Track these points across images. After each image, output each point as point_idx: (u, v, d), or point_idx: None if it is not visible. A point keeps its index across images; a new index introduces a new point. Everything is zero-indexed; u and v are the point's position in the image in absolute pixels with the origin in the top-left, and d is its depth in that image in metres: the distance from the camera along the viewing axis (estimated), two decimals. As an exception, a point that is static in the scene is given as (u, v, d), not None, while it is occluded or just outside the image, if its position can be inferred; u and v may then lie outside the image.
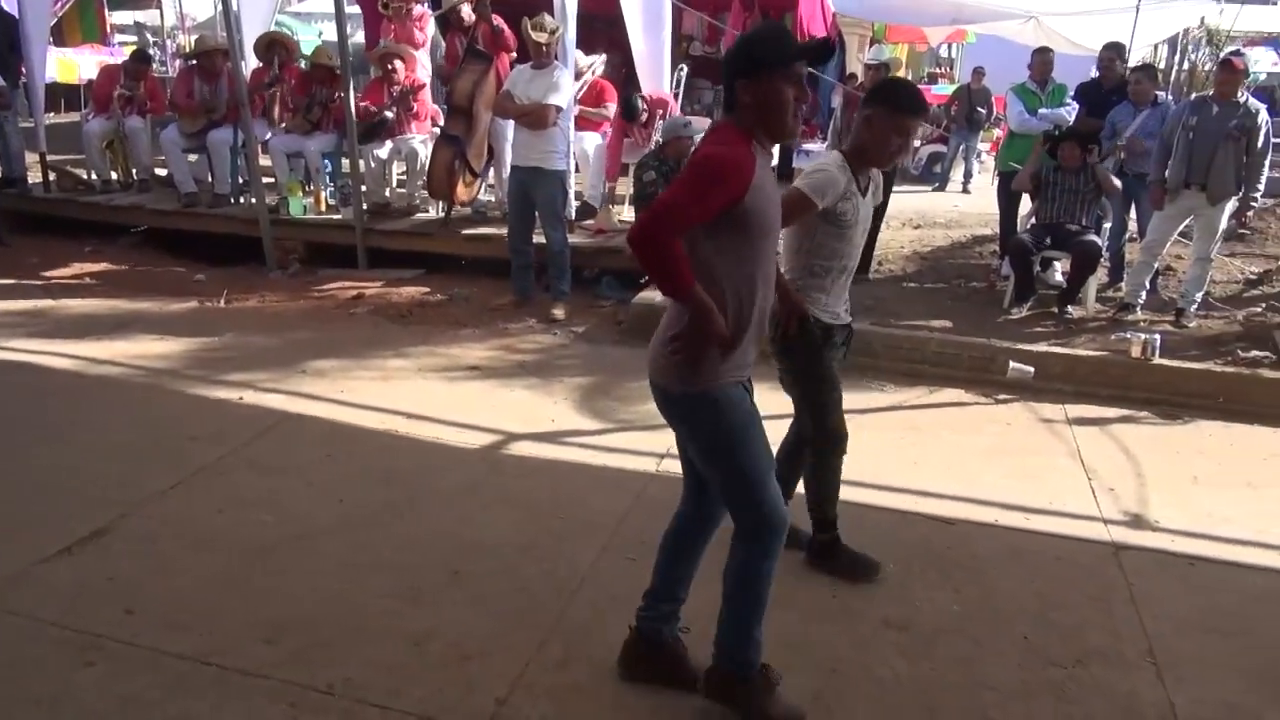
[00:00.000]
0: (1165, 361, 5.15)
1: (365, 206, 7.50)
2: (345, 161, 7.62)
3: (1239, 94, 5.94)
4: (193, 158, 8.11)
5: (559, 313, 6.22)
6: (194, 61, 8.16)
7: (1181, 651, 2.95)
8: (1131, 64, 8.34)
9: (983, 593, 3.24)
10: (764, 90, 2.28)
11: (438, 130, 7.48)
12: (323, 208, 7.71)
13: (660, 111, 7.72)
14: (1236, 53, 6.76)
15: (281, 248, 7.44)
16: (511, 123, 6.49)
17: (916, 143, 10.96)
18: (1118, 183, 6.48)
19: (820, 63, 2.88)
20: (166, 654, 2.75)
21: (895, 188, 7.00)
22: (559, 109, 6.08)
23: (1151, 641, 2.99)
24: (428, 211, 7.68)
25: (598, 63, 8.05)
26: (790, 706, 2.58)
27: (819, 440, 3.22)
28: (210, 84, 7.92)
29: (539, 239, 6.37)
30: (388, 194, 7.90)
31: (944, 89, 14.93)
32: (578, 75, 7.69)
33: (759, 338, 2.48)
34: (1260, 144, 5.83)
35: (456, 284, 6.90)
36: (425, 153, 7.35)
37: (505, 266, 6.58)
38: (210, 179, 8.06)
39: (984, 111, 12.80)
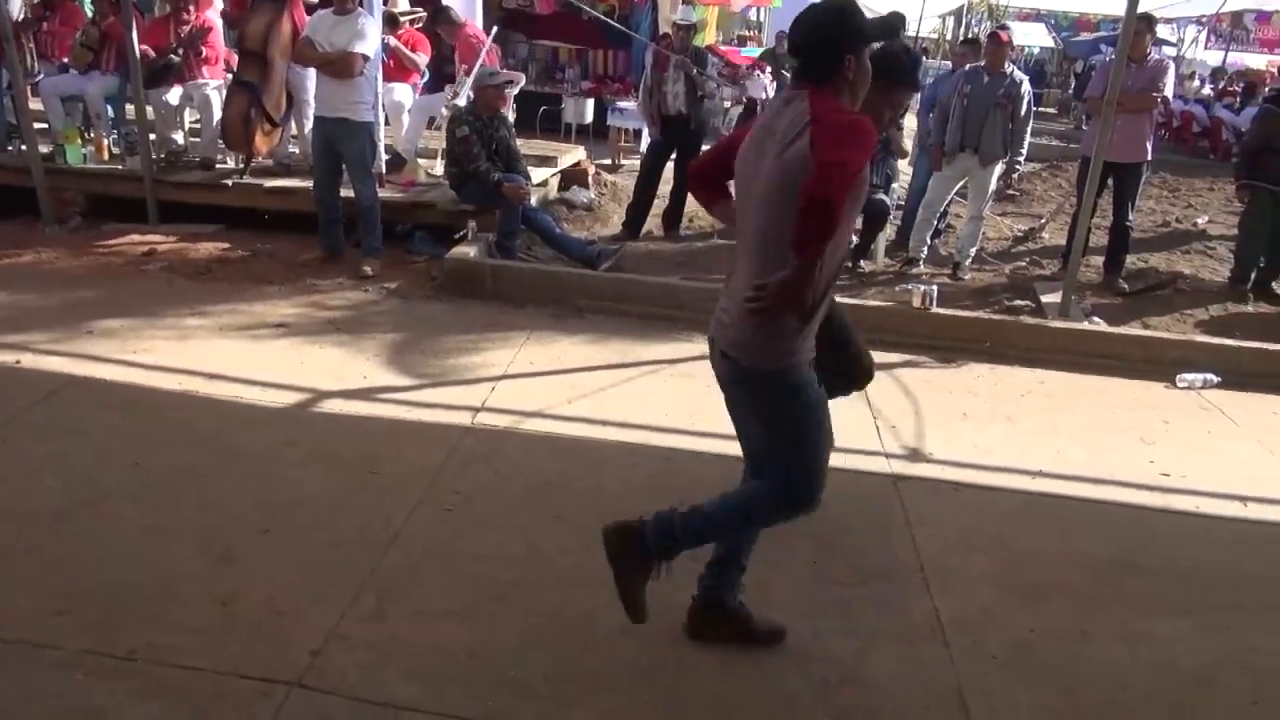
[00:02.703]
0: (941, 311, 5.64)
1: (155, 156, 7.03)
2: (130, 107, 7.09)
3: (1006, 65, 6.52)
4: (-53, 100, 7.33)
5: (370, 269, 6.07)
6: (-56, -8, 7.34)
7: (948, 567, 3.31)
8: (924, 32, 8.91)
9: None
10: (863, 66, 2.26)
11: (231, 76, 7.07)
12: (105, 156, 7.16)
13: (467, 66, 7.58)
14: (1003, 26, 7.39)
15: (60, 200, 6.86)
16: (312, 71, 6.23)
17: (726, 104, 11.23)
18: (908, 146, 6.96)
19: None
20: (-57, 632, 2.59)
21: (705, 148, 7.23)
22: (365, 58, 5.89)
23: (923, 560, 3.34)
24: (226, 162, 7.27)
25: (418, 16, 7.83)
26: (773, 623, 2.81)
27: (862, 378, 3.58)
28: (-35, 18, 7.15)
29: (347, 192, 6.18)
30: (180, 140, 7.41)
31: (753, 51, 15.39)
32: (398, 18, 7.45)
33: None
34: (1024, 111, 6.43)
35: (260, 239, 6.60)
36: (219, 100, 6.94)
37: (312, 221, 6.35)
38: (-31, 124, 7.32)
39: (789, 74, 13.31)
